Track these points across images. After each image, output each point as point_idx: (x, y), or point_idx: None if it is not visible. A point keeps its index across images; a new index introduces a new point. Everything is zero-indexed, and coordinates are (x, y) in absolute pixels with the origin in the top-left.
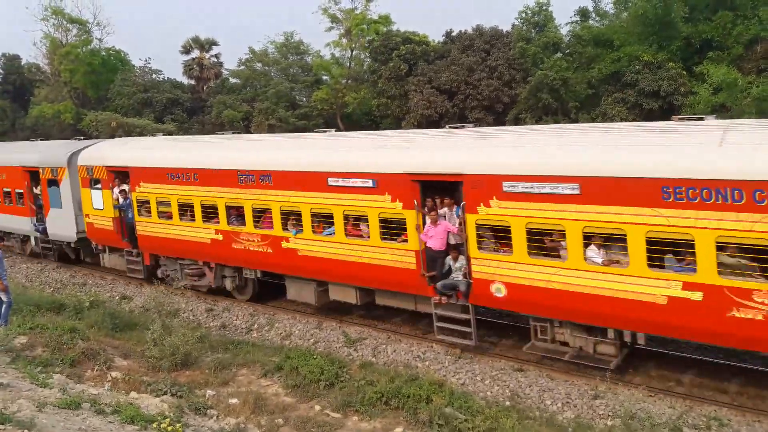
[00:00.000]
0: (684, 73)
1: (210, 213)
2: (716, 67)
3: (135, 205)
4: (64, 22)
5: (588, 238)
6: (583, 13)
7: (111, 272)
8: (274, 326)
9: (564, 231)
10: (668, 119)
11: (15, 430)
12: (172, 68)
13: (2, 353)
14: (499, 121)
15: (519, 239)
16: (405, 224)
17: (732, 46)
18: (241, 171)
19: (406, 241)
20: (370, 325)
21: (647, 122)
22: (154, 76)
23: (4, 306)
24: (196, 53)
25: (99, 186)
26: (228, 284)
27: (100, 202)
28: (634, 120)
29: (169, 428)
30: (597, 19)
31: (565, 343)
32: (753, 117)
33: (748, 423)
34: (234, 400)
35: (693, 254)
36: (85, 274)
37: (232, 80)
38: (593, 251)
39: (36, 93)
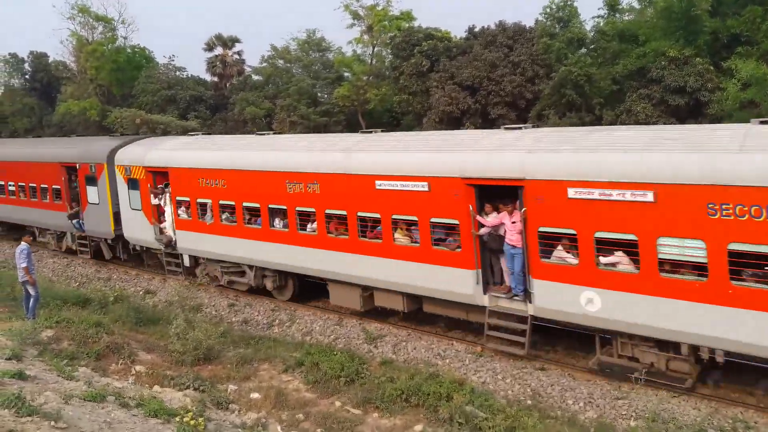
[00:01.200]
0: (711, 68)
1: None
2: (745, 63)
3: None
4: (90, 20)
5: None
6: (611, 5)
7: (135, 267)
8: (295, 322)
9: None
10: (697, 115)
11: (42, 421)
12: (196, 65)
13: (30, 346)
14: (522, 117)
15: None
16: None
17: (761, 41)
18: None
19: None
20: (390, 322)
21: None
22: (177, 73)
23: (32, 300)
24: (219, 50)
25: None
26: None
27: None
28: (659, 116)
29: (192, 422)
30: (617, 16)
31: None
32: None
33: None
34: (255, 395)
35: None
36: (109, 269)
37: (255, 77)
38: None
39: (63, 90)
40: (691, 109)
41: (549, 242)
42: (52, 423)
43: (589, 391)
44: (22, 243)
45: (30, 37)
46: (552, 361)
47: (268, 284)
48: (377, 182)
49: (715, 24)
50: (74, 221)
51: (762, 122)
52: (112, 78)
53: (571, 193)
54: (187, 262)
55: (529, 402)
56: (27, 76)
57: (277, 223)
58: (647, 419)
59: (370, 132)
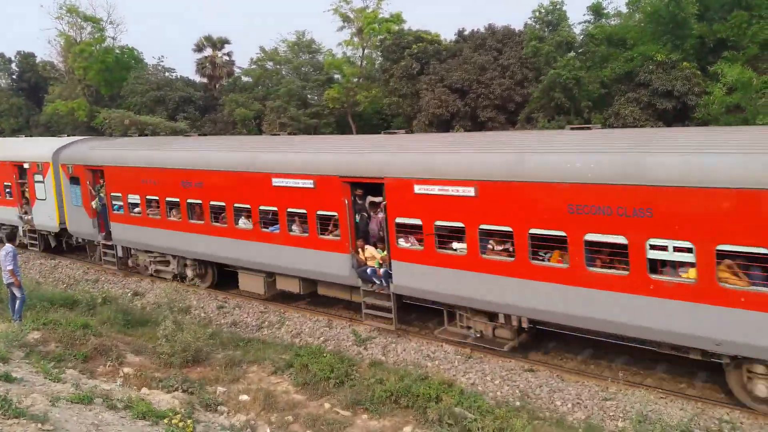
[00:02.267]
0: (698, 72)
1: None
2: (731, 67)
3: None
4: (79, 20)
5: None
6: (596, 9)
7: (123, 269)
8: (285, 324)
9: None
10: (683, 119)
11: (29, 423)
12: (185, 66)
13: (16, 348)
14: (511, 120)
15: None
16: None
17: (747, 46)
18: None
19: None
20: (380, 324)
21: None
22: (166, 74)
23: (18, 302)
24: (208, 51)
25: None
26: None
27: None
28: (647, 120)
29: (180, 424)
30: (603, 20)
31: None
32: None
33: (760, 426)
34: (244, 397)
35: None
36: (97, 271)
37: (244, 79)
38: None
39: (50, 90)
40: (678, 113)
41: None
42: (39, 425)
43: (577, 392)
44: (8, 245)
45: (17, 37)
46: (540, 363)
47: None
48: None
49: (702, 28)
50: None
51: None
52: (101, 78)
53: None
54: None
55: (518, 403)
56: (14, 77)
57: None
58: (634, 420)
59: None
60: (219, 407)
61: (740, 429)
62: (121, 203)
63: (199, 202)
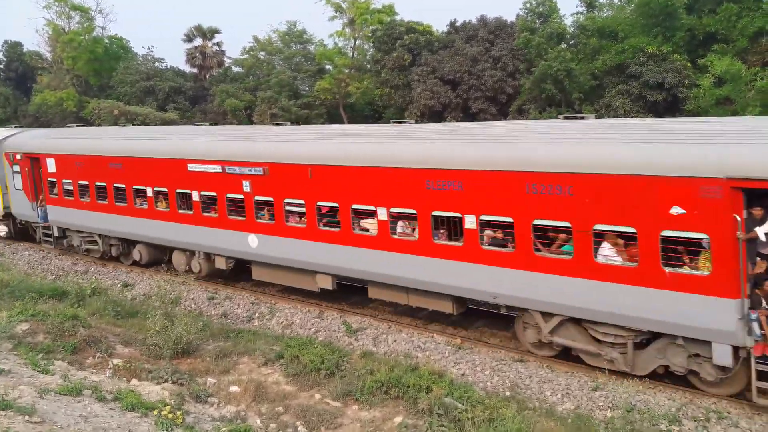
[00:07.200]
0: (689, 65)
1: None
2: (720, 59)
3: None
4: (67, 10)
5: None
6: (589, 3)
7: (112, 260)
8: (275, 315)
9: None
10: (674, 111)
11: (16, 416)
12: (175, 56)
13: (4, 340)
14: (503, 112)
15: None
16: None
17: (737, 38)
18: None
19: None
20: (371, 315)
21: None
22: (156, 64)
23: None
24: (198, 41)
25: None
26: None
27: None
28: (638, 112)
29: (170, 415)
30: (596, 12)
31: None
32: (757, 110)
33: (747, 416)
34: (235, 388)
35: None
36: (86, 262)
37: (235, 69)
38: None
39: (38, 80)
40: (668, 105)
41: None
42: (27, 417)
43: (566, 382)
44: None
45: (3, 25)
46: (530, 353)
47: None
48: None
49: (692, 21)
50: None
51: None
52: (90, 68)
53: None
54: None
55: (508, 393)
56: (1, 66)
57: None
58: (623, 410)
59: None
60: (209, 398)
61: (728, 418)
62: None
63: None
